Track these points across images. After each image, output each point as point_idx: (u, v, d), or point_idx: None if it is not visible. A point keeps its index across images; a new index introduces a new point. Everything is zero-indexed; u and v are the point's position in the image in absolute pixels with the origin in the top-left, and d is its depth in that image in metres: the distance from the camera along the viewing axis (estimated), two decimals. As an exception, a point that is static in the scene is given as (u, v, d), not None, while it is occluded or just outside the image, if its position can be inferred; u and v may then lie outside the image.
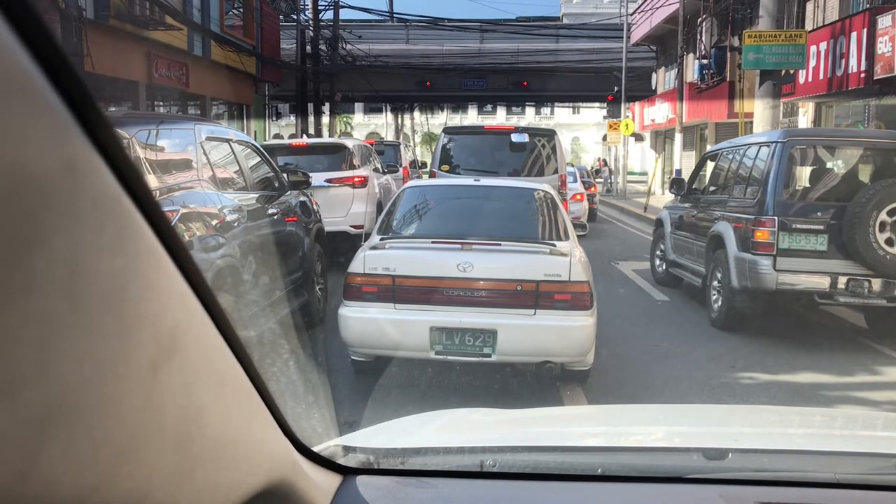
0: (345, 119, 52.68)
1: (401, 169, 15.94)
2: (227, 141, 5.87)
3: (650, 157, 32.53)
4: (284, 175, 6.88)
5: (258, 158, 6.54)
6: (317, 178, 8.98)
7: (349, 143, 10.93)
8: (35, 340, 0.42)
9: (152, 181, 4.38)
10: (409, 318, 4.69)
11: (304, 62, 23.91)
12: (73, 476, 0.47)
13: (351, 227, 9.79)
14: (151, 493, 0.57)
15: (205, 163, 5.18)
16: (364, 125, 61.27)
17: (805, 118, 16.83)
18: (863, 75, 12.78)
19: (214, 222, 4.86)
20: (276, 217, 6.17)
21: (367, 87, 30.72)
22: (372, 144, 14.42)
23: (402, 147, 19.28)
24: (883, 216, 6.34)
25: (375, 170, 11.47)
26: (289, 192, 6.75)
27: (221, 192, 5.23)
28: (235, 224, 5.16)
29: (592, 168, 36.46)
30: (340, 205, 9.77)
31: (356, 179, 10.01)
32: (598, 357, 5.08)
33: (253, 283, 5.25)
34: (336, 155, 10.35)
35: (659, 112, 28.18)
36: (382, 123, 57.03)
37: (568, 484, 1.32)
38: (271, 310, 5.48)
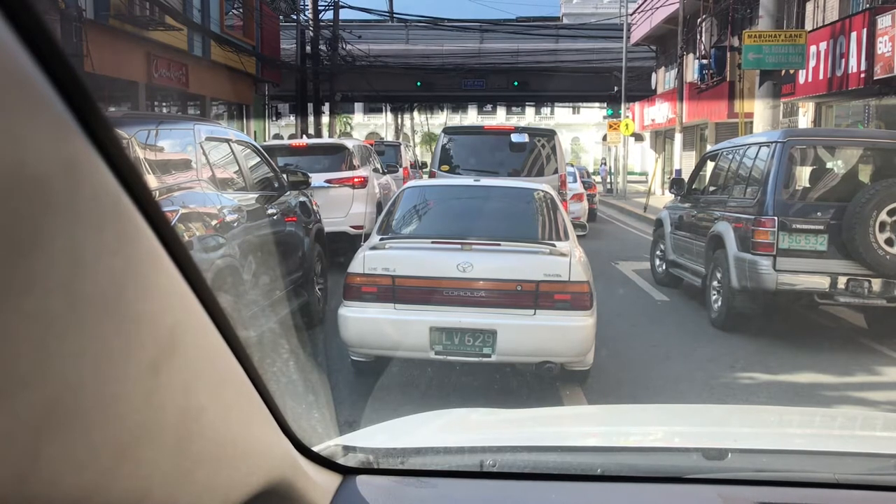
0: (344, 119, 52.66)
1: (401, 169, 15.96)
2: (227, 141, 5.87)
3: (650, 157, 32.52)
4: (284, 175, 6.90)
5: (258, 159, 6.54)
6: (317, 179, 9.09)
7: (349, 143, 11.00)
8: (35, 340, 0.42)
9: (152, 181, 4.38)
10: (409, 319, 4.69)
11: (304, 62, 23.89)
12: (73, 476, 0.47)
13: (351, 227, 9.85)
14: (151, 494, 0.57)
15: (204, 163, 5.17)
16: (364, 125, 61.28)
17: (805, 118, 16.83)
18: (863, 75, 12.78)
19: (214, 222, 4.85)
20: (275, 217, 6.17)
21: (366, 87, 30.72)
22: (372, 145, 14.44)
23: (402, 147, 19.19)
24: (883, 216, 6.34)
25: (375, 170, 11.55)
26: (288, 193, 6.75)
27: (221, 193, 5.23)
28: (235, 224, 5.16)
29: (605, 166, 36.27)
30: (340, 205, 9.84)
31: (356, 180, 10.10)
32: (597, 357, 5.08)
33: (253, 283, 5.24)
34: (336, 155, 10.45)
35: (659, 112, 28.18)
36: (382, 123, 57.04)
37: (568, 484, 1.32)
38: (271, 310, 5.48)
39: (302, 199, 7.14)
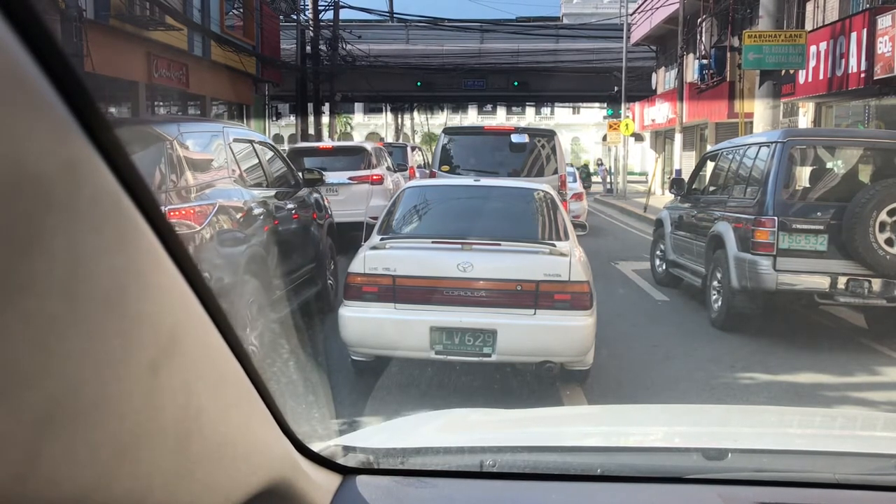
0: (345, 119, 52.65)
1: (407, 169, 17.00)
2: (251, 142, 6.43)
3: (650, 157, 32.52)
4: (300, 173, 7.51)
5: (276, 157, 7.06)
6: (341, 176, 11.32)
7: (368, 146, 12.79)
8: (35, 340, 0.42)
9: (190, 177, 4.86)
10: (410, 318, 4.69)
11: (304, 62, 23.90)
12: (73, 476, 0.47)
13: (370, 218, 10.75)
14: (151, 493, 0.57)
15: (234, 161, 5.68)
16: (364, 125, 61.28)
17: (805, 118, 16.83)
18: (863, 75, 12.78)
19: (239, 216, 5.29)
20: (293, 211, 6.69)
21: (366, 87, 30.74)
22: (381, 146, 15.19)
23: (408, 148, 20.15)
24: (883, 216, 6.34)
25: (388, 168, 13.19)
26: (303, 189, 7.30)
27: (248, 188, 5.73)
28: (261, 217, 5.65)
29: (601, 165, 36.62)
30: (361, 199, 11.43)
31: (374, 177, 11.77)
32: (598, 357, 5.08)
33: (276, 270, 5.71)
34: (357, 156, 12.27)
35: (659, 112, 28.16)
36: (382, 123, 57.03)
37: (567, 484, 1.32)
38: (293, 294, 6.06)
39: (315, 195, 7.74)
